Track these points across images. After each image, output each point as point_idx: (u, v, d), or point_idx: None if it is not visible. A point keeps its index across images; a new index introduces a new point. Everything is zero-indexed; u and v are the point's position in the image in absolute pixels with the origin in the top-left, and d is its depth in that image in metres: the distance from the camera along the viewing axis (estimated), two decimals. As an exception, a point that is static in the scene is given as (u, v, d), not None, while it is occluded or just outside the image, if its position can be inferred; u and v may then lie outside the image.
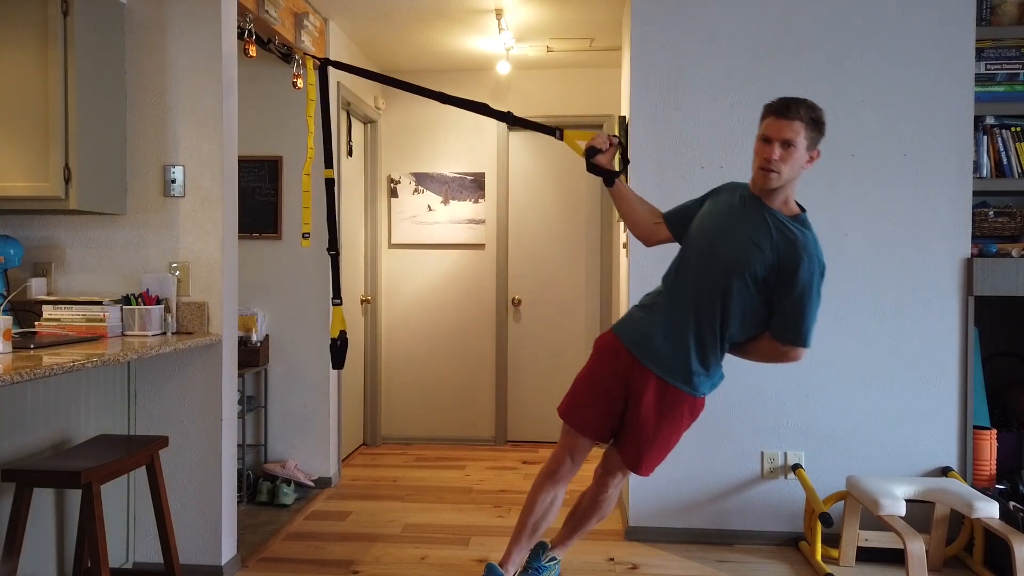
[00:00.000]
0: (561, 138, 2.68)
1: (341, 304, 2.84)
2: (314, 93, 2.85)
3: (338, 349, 2.77)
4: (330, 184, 2.80)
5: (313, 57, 2.81)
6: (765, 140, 2.30)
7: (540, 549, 2.84)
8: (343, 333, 2.81)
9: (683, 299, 2.41)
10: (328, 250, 2.83)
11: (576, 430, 2.57)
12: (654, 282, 3.27)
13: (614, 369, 2.49)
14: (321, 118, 2.79)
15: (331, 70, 4.06)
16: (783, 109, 2.27)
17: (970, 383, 3.18)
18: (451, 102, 2.73)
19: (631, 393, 2.48)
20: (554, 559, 2.84)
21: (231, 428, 2.95)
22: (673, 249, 2.55)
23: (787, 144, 2.24)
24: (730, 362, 3.24)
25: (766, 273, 2.30)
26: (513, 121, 2.71)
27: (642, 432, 2.47)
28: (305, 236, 2.87)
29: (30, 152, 2.57)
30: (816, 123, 2.27)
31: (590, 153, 2.56)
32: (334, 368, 2.83)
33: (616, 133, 2.73)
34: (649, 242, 2.65)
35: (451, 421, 5.12)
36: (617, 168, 2.62)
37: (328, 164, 2.80)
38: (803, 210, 2.38)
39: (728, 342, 2.44)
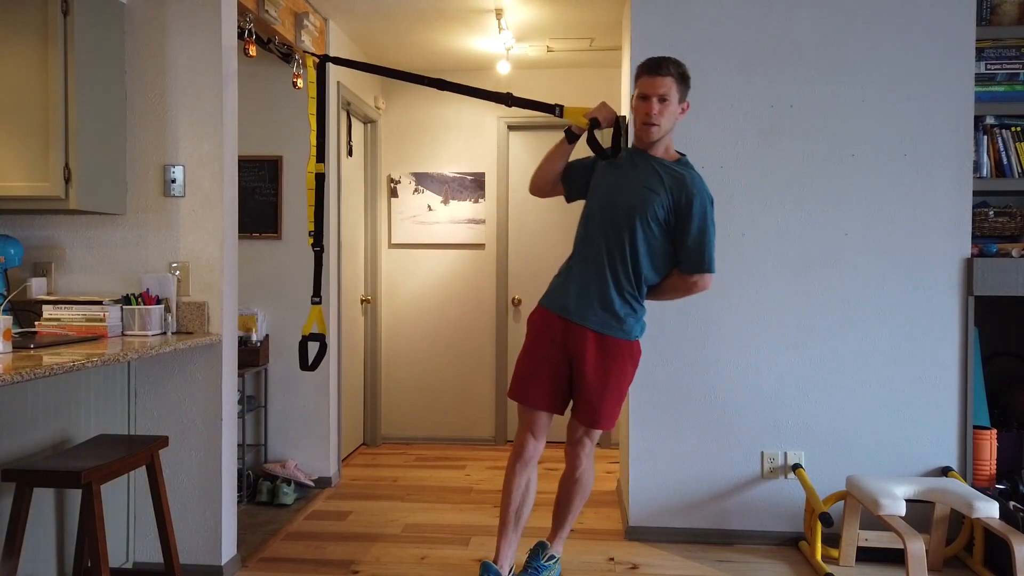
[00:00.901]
0: (561, 115, 2.70)
1: (320, 303, 2.82)
2: (314, 91, 2.85)
3: (305, 349, 2.77)
4: (320, 179, 2.81)
5: (312, 54, 2.81)
6: (643, 98, 2.55)
7: (539, 549, 2.84)
8: (320, 337, 2.79)
9: (596, 253, 2.59)
10: (313, 246, 2.81)
11: (529, 406, 2.67)
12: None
13: (551, 339, 2.63)
14: (318, 113, 2.79)
15: (332, 68, 4.08)
16: (655, 68, 2.54)
17: (970, 383, 3.18)
18: (449, 88, 2.76)
19: (573, 356, 2.61)
20: (553, 557, 2.84)
21: (231, 428, 2.95)
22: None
23: (662, 99, 2.52)
24: (730, 362, 3.26)
25: (666, 214, 2.54)
26: (513, 102, 2.74)
27: (592, 388, 2.60)
28: (311, 234, 2.88)
29: (30, 152, 2.57)
30: (683, 77, 2.56)
31: (593, 124, 2.61)
32: (301, 369, 2.82)
33: (623, 114, 2.77)
34: (541, 195, 2.82)
35: (451, 421, 5.12)
36: (609, 146, 2.66)
37: (320, 158, 2.80)
38: (683, 155, 2.65)
39: (644, 285, 2.62)
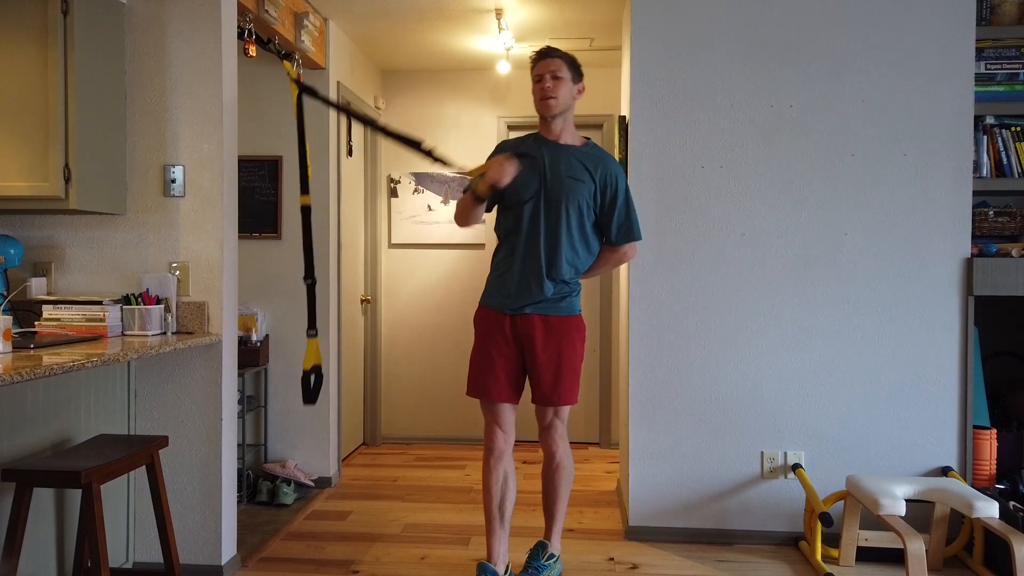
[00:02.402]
0: (466, 174, 2.78)
1: (316, 336, 2.80)
2: (301, 113, 2.86)
3: (308, 383, 2.79)
4: (306, 212, 2.81)
5: (298, 83, 2.84)
6: (537, 80, 2.73)
7: (539, 549, 2.85)
8: (317, 368, 2.79)
9: (528, 245, 2.69)
10: (304, 279, 2.81)
11: (490, 400, 2.75)
12: (654, 280, 3.30)
13: (500, 333, 2.73)
14: (300, 144, 2.82)
15: (333, 68, 4.08)
16: (544, 53, 2.75)
17: (970, 383, 3.18)
18: (378, 130, 2.83)
19: (524, 343, 2.72)
20: (553, 556, 2.85)
21: (231, 428, 2.95)
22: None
23: (555, 76, 2.70)
24: (730, 362, 3.26)
25: (592, 199, 2.70)
26: (427, 155, 2.75)
27: (547, 368, 2.70)
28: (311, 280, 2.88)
29: (30, 152, 2.57)
30: (573, 63, 2.75)
31: (493, 187, 2.67)
32: (304, 404, 2.83)
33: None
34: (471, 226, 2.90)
35: (451, 421, 5.12)
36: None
37: (304, 190, 2.80)
38: (588, 139, 2.83)
39: (577, 265, 2.74)
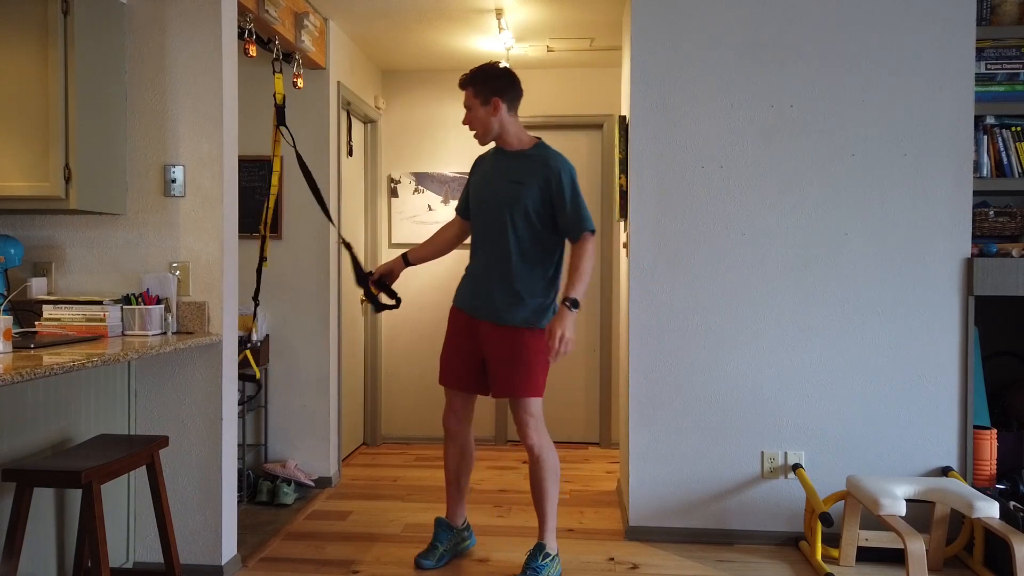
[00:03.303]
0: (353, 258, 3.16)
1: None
2: (280, 149, 3.24)
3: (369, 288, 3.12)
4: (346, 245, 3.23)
5: (293, 147, 3.23)
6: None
7: (536, 551, 2.85)
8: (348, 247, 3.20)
9: (483, 254, 2.87)
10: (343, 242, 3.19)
11: (449, 387, 2.99)
12: (655, 280, 3.30)
13: (462, 331, 2.93)
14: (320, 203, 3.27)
15: (333, 68, 4.08)
16: (460, 83, 2.88)
17: (970, 383, 3.18)
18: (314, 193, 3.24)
19: (481, 344, 2.87)
20: (549, 555, 2.85)
21: (231, 428, 2.95)
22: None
23: (468, 108, 2.84)
24: (730, 362, 3.26)
25: (537, 199, 2.76)
26: (343, 244, 3.22)
27: (500, 366, 2.83)
28: (264, 259, 3.30)
29: (30, 152, 2.57)
30: (476, 80, 2.82)
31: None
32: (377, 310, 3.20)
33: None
34: (466, 238, 3.13)
35: (451, 421, 5.11)
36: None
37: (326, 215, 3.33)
38: (539, 139, 2.88)
39: (534, 272, 2.82)
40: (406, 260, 3.13)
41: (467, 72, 2.87)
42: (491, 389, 2.91)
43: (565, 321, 2.65)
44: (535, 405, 2.84)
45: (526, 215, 2.77)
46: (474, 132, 2.86)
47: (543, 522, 2.89)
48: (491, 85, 2.81)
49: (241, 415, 3.72)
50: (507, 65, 2.85)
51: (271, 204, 3.26)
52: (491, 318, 2.83)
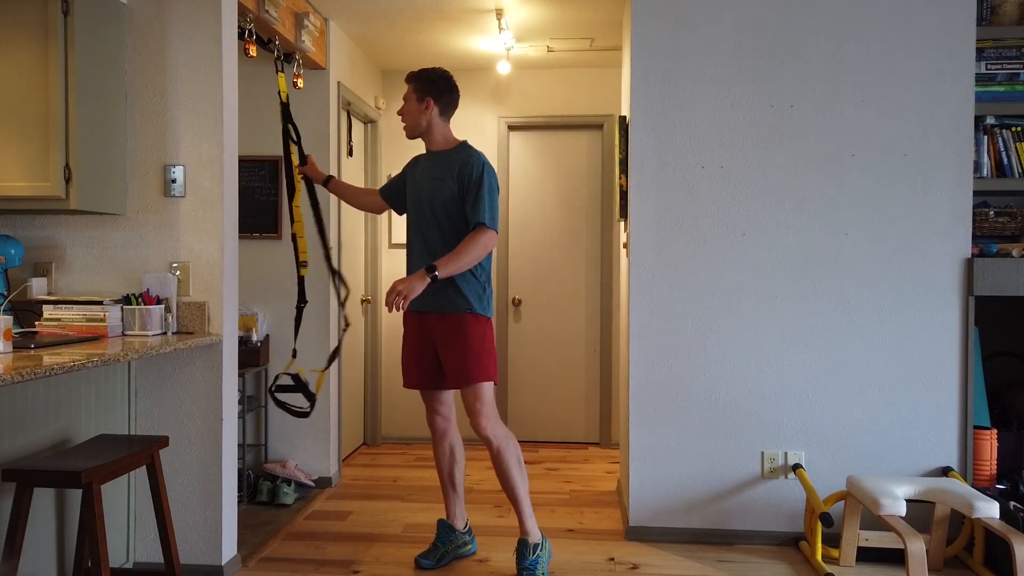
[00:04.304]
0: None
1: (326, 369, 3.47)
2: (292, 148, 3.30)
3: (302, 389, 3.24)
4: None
5: (298, 144, 3.31)
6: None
7: (521, 548, 2.85)
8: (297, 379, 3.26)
9: (418, 249, 2.96)
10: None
11: (415, 387, 3.07)
12: (655, 280, 3.30)
13: (415, 331, 3.01)
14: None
15: (333, 67, 4.08)
16: (406, 78, 3.01)
17: (970, 383, 3.18)
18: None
19: (432, 337, 2.94)
20: (536, 546, 2.85)
21: (231, 428, 2.95)
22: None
23: (405, 101, 2.99)
24: (730, 362, 3.26)
25: (455, 193, 2.87)
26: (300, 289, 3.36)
27: (450, 356, 2.89)
28: (303, 264, 3.28)
29: (30, 152, 2.57)
30: (422, 82, 2.95)
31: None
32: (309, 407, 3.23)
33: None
34: (379, 213, 3.41)
35: (451, 421, 5.11)
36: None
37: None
38: (463, 141, 3.01)
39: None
40: (328, 180, 3.27)
41: (415, 70, 3.02)
42: (446, 381, 2.97)
43: (411, 278, 2.74)
44: (485, 392, 2.88)
45: (446, 207, 2.88)
46: (403, 124, 3.00)
47: (519, 513, 2.89)
48: (429, 86, 2.95)
49: (241, 415, 3.72)
50: (450, 74, 3.02)
51: (297, 201, 3.26)
52: (434, 308, 2.91)
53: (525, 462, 2.97)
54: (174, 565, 2.50)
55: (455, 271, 2.78)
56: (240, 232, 3.88)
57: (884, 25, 3.20)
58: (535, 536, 2.89)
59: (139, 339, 2.67)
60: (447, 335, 2.90)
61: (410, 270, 2.97)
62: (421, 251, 2.94)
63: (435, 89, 2.95)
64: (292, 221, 3.27)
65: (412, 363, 3.04)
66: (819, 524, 2.95)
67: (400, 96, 5.07)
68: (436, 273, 2.73)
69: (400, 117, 3.01)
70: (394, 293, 2.71)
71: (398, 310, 2.74)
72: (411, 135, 3.02)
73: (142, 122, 2.89)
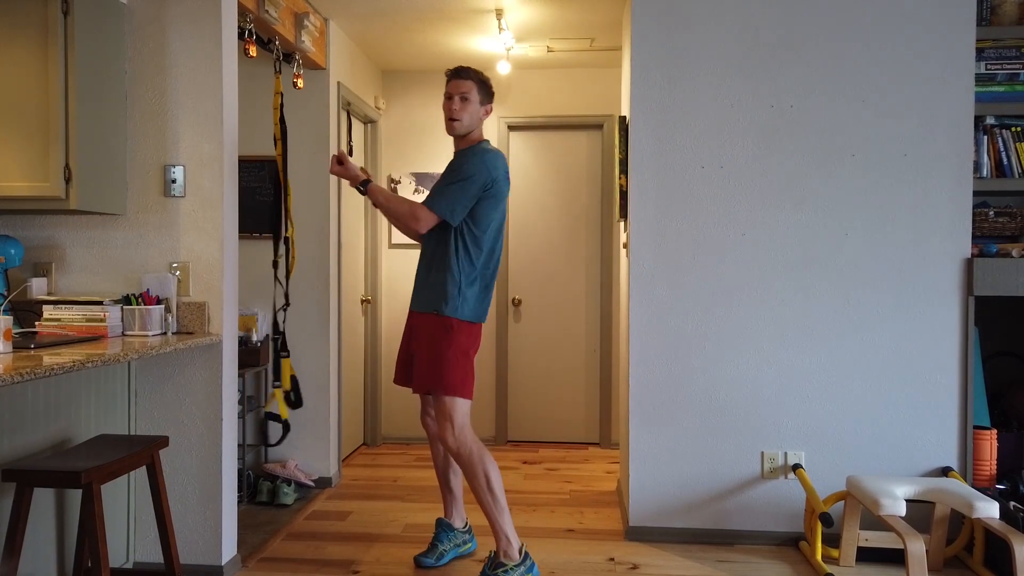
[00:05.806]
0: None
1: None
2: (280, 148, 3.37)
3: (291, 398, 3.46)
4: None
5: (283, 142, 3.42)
6: (448, 97, 2.87)
7: (492, 557, 2.82)
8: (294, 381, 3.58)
9: (422, 248, 2.95)
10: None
11: (398, 383, 3.04)
12: (655, 280, 3.30)
13: (406, 327, 3.02)
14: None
15: (332, 67, 4.08)
16: (457, 72, 2.88)
17: (970, 383, 3.18)
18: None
19: (413, 336, 2.93)
20: (509, 565, 2.79)
21: (231, 428, 2.95)
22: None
23: (464, 98, 2.84)
24: (730, 362, 3.26)
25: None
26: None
27: (417, 358, 2.87)
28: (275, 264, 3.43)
29: (30, 152, 2.57)
30: (484, 84, 2.90)
31: None
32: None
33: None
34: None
35: (451, 421, 5.11)
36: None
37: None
38: (483, 140, 2.94)
39: (455, 263, 2.82)
40: (366, 183, 2.88)
41: (468, 67, 2.92)
42: (417, 389, 2.88)
43: (352, 167, 2.83)
44: (453, 407, 2.75)
45: None
46: (455, 120, 2.85)
47: (495, 523, 2.79)
48: (489, 92, 2.95)
49: (241, 415, 3.72)
50: None
51: (289, 204, 3.33)
52: (414, 306, 2.94)
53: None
54: (174, 565, 2.50)
55: (377, 203, 2.86)
56: (240, 232, 3.88)
57: (884, 25, 3.20)
58: (512, 557, 2.77)
59: (139, 339, 2.67)
60: (419, 334, 2.89)
61: (416, 278, 2.98)
62: (423, 250, 2.96)
63: (491, 96, 2.96)
64: (287, 226, 3.31)
65: (399, 359, 3.05)
66: (819, 524, 2.95)
67: (400, 96, 5.11)
68: (367, 187, 2.80)
69: (450, 111, 2.85)
70: (332, 161, 2.82)
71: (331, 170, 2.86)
72: (460, 133, 2.89)
73: (142, 122, 2.89)
